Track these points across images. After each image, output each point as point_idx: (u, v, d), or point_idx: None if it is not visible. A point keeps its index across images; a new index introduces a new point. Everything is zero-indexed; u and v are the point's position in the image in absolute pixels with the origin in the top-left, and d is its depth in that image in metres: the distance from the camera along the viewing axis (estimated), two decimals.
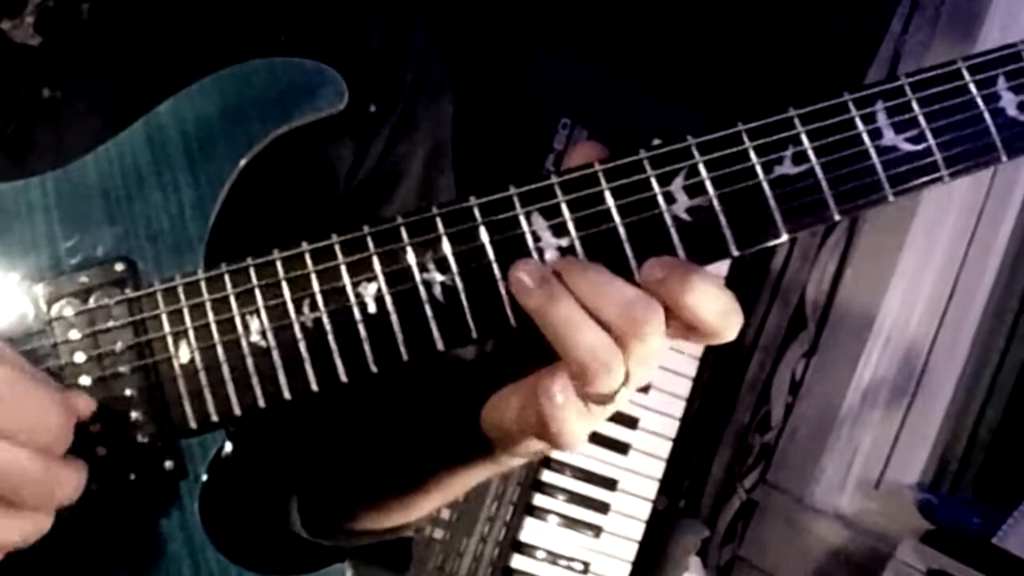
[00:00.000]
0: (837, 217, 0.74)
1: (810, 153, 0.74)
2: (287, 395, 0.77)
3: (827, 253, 2.65)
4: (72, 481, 0.72)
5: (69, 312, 0.79)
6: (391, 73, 1.04)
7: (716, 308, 0.72)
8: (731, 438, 2.73)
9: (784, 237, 0.74)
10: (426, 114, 1.07)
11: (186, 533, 0.80)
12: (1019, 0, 2.49)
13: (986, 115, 0.75)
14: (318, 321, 0.77)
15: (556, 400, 0.74)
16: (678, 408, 2.22)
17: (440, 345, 0.76)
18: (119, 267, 0.80)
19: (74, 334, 0.79)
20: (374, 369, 0.77)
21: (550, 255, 0.75)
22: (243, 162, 0.82)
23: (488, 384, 0.82)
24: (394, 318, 0.76)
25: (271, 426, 0.84)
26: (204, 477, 0.80)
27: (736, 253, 0.74)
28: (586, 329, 0.72)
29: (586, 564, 2.17)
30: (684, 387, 2.22)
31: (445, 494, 0.93)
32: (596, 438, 2.18)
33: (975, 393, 2.62)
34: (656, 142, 0.76)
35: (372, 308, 0.76)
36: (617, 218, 0.75)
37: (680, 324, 0.73)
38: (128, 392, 0.78)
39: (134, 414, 0.78)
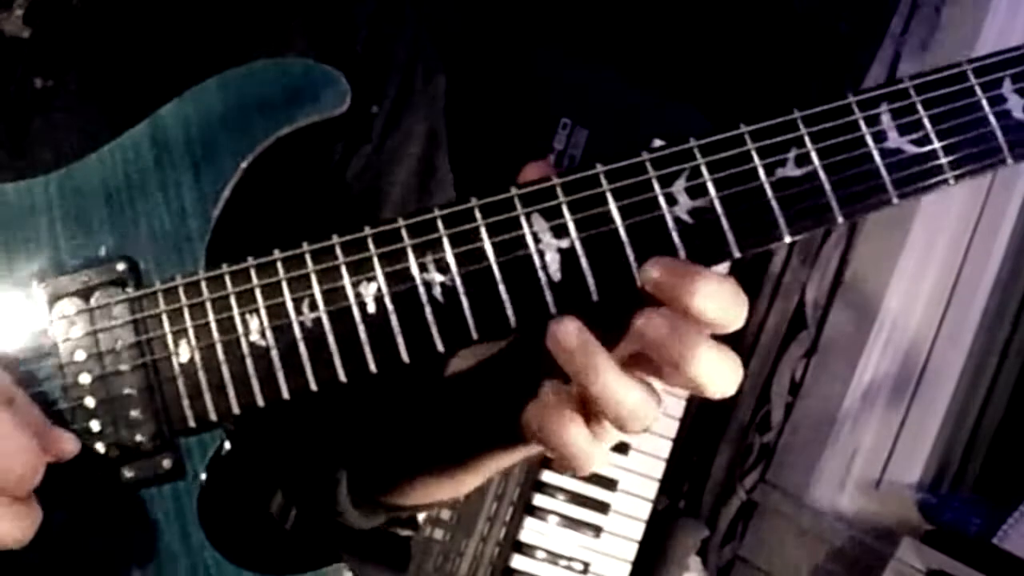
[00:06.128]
0: (840, 220, 0.73)
1: (813, 155, 0.74)
2: (286, 395, 0.77)
3: (827, 253, 2.65)
4: (26, 526, 0.71)
5: (70, 311, 0.79)
6: (380, 64, 1.04)
7: (719, 305, 0.72)
8: (731, 438, 2.73)
9: (787, 240, 0.74)
10: (421, 98, 1.07)
11: (184, 532, 0.80)
12: (1019, 0, 2.49)
13: (991, 118, 0.74)
14: (318, 321, 0.77)
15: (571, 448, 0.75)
16: (678, 408, 2.22)
17: (440, 346, 0.76)
18: (120, 266, 0.80)
19: (75, 332, 0.79)
20: (373, 369, 0.76)
21: (550, 256, 0.75)
22: (245, 163, 0.82)
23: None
24: (394, 319, 0.76)
25: (277, 421, 0.83)
26: (202, 476, 0.80)
27: (738, 255, 0.74)
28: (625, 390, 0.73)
29: (586, 564, 2.17)
30: None
31: (486, 472, 0.94)
32: None
33: (975, 393, 2.62)
34: (658, 143, 0.76)
35: (372, 308, 0.76)
36: (618, 220, 0.74)
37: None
38: (127, 391, 0.78)
39: (133, 412, 0.78)
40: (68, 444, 0.75)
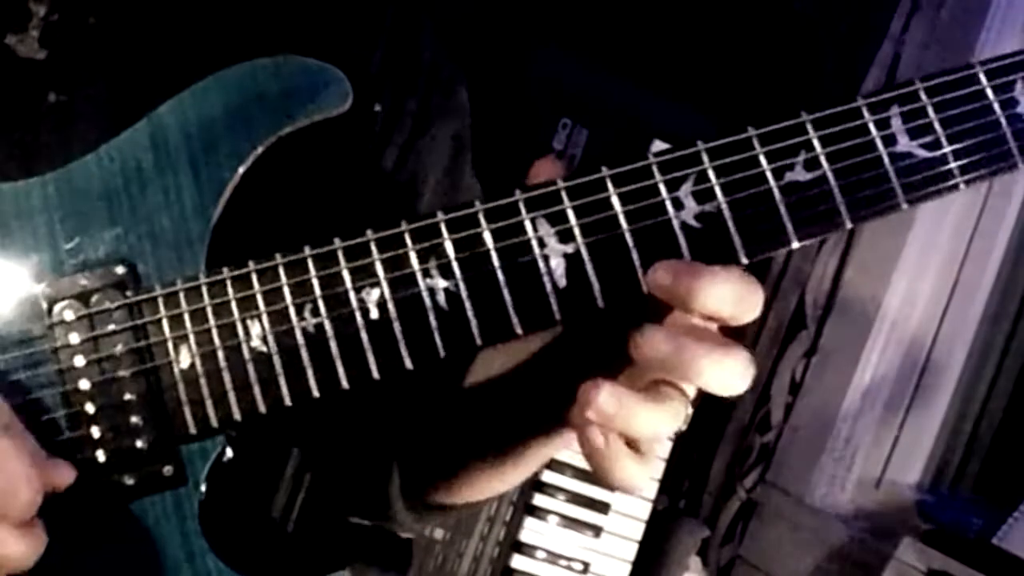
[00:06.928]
0: (849, 225, 0.72)
1: (822, 159, 0.73)
2: (288, 401, 0.77)
3: (827, 252, 2.65)
4: (27, 552, 0.71)
5: (70, 315, 0.79)
6: (401, 73, 1.03)
7: (731, 300, 0.71)
8: (731, 438, 2.72)
9: (795, 245, 0.73)
10: (443, 109, 1.06)
11: (185, 539, 0.79)
12: (1017, 1, 2.49)
13: (1003, 121, 0.73)
14: (320, 327, 0.76)
15: (603, 452, 0.73)
16: None
17: (443, 352, 0.75)
18: (119, 269, 0.79)
19: (74, 338, 0.78)
20: (376, 375, 0.76)
21: (555, 261, 0.74)
22: (247, 163, 0.81)
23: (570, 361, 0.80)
24: (396, 324, 0.75)
25: (277, 428, 0.83)
26: (204, 483, 0.79)
27: (745, 260, 0.73)
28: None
29: (586, 564, 2.17)
30: None
31: (532, 463, 0.92)
32: None
33: (975, 393, 2.62)
34: (658, 145, 0.75)
35: (374, 314, 0.75)
36: (624, 224, 0.74)
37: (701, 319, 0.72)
38: (128, 397, 0.78)
39: (134, 419, 0.78)
40: (65, 473, 0.74)
